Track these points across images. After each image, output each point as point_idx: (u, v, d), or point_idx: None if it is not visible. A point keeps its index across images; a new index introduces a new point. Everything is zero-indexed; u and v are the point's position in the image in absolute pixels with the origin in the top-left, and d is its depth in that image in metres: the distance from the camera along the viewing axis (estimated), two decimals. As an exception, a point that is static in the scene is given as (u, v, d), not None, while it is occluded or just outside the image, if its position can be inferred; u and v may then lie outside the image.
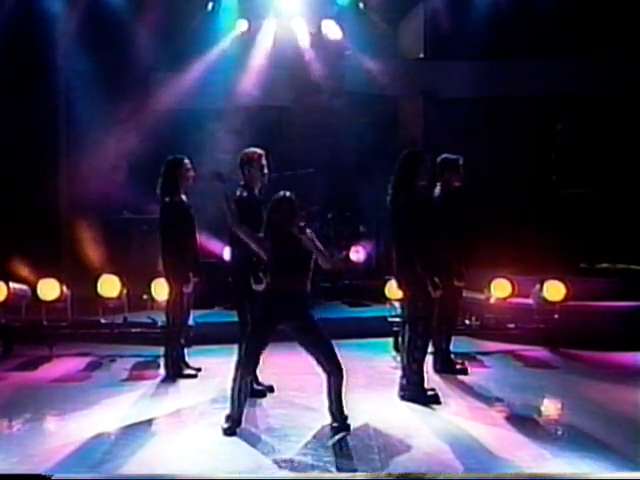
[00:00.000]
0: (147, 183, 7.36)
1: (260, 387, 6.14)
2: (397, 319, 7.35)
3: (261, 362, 5.35)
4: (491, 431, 5.30)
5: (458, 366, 6.95)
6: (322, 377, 5.28)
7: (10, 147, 9.66)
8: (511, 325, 8.10)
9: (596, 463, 4.63)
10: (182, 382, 6.76)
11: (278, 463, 4.71)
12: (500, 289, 8.01)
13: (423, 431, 5.31)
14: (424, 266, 5.83)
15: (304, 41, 11.10)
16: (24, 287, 8.14)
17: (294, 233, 5.12)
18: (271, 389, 6.28)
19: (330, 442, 5.07)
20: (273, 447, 5.00)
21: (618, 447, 4.89)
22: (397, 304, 7.38)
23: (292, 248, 5.15)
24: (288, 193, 5.25)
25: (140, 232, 9.79)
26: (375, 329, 8.20)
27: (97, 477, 4.65)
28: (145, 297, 8.13)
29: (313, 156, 11.03)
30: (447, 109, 10.72)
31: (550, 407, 6.30)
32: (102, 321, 8.13)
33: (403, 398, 6.03)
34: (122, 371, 7.25)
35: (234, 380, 5.27)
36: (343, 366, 5.20)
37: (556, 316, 7.90)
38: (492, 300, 8.06)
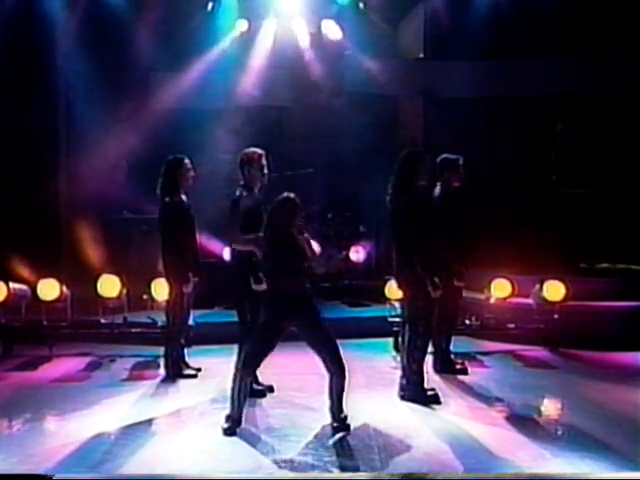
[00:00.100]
0: (147, 183, 7.36)
1: (260, 387, 6.14)
2: (397, 319, 7.35)
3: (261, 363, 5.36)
4: (491, 431, 5.30)
5: (458, 366, 6.95)
6: (323, 377, 5.28)
7: (10, 147, 9.65)
8: (511, 325, 8.10)
9: (596, 463, 4.64)
10: (182, 382, 6.76)
11: (278, 463, 4.72)
12: (500, 289, 8.01)
13: (423, 431, 5.31)
14: (424, 266, 5.83)
15: (304, 41, 11.10)
16: (24, 287, 8.15)
17: (293, 233, 5.14)
18: (271, 389, 6.28)
19: (330, 442, 5.07)
20: (273, 447, 5.00)
21: (618, 447, 4.89)
22: (397, 304, 7.38)
23: (290, 248, 5.16)
24: (292, 195, 5.26)
25: (140, 232, 9.78)
26: (375, 329, 8.20)
27: (97, 477, 4.65)
28: (145, 297, 8.13)
29: (313, 156, 11.03)
30: (447, 109, 10.72)
31: (550, 407, 6.30)
32: (102, 321, 8.14)
33: (403, 398, 6.04)
34: (122, 371, 7.25)
35: (234, 380, 5.27)
36: (346, 366, 5.20)
37: (556, 316, 7.90)
38: (492, 300, 8.07)
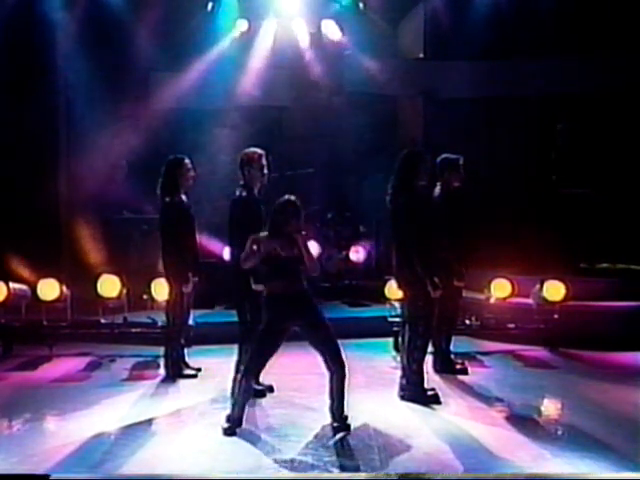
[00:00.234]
0: (147, 183, 7.36)
1: (260, 387, 6.13)
2: (397, 319, 7.35)
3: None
4: (491, 431, 5.30)
5: (458, 366, 6.95)
6: (323, 377, 5.28)
7: (10, 147, 9.64)
8: (511, 325, 8.10)
9: (596, 463, 4.64)
10: (182, 382, 6.76)
11: (278, 463, 4.71)
12: (500, 289, 8.01)
13: (423, 431, 5.32)
14: (424, 266, 5.83)
15: (304, 41, 11.10)
16: (24, 287, 8.15)
17: (293, 235, 5.14)
18: (271, 389, 6.28)
19: (330, 442, 5.07)
20: (273, 447, 5.00)
21: (618, 447, 4.89)
22: (397, 304, 7.39)
23: (289, 249, 5.16)
24: (293, 197, 5.26)
25: (140, 232, 9.79)
26: (375, 329, 8.20)
27: (97, 477, 4.65)
28: (145, 297, 8.12)
29: (313, 156, 11.04)
30: (447, 109, 10.72)
31: (550, 407, 6.30)
32: (102, 321, 8.13)
33: (403, 398, 6.04)
34: (122, 371, 7.25)
35: (237, 381, 5.27)
36: (347, 367, 5.20)
37: (556, 316, 7.90)
38: (492, 300, 8.06)
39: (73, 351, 7.98)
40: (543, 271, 8.24)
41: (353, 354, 6.85)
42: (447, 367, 6.90)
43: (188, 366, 7.02)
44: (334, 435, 5.16)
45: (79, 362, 7.61)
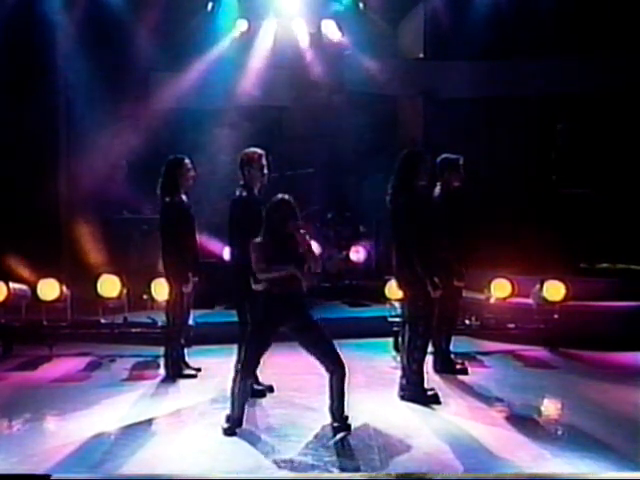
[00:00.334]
0: (147, 183, 7.36)
1: (260, 387, 6.13)
2: (397, 319, 7.35)
3: (261, 362, 5.34)
4: (491, 431, 5.30)
5: (458, 366, 6.95)
6: (323, 377, 5.27)
7: (10, 147, 9.65)
8: (511, 325, 8.10)
9: (596, 463, 4.64)
10: (182, 382, 6.76)
11: (278, 463, 4.71)
12: (500, 289, 8.01)
13: (423, 431, 5.31)
14: (424, 266, 5.83)
15: (304, 41, 11.11)
16: (24, 287, 8.14)
17: (289, 235, 5.13)
18: (271, 389, 6.27)
19: (330, 442, 5.07)
20: (273, 447, 5.00)
21: (618, 447, 4.89)
22: (397, 304, 7.39)
23: (288, 249, 5.16)
24: (287, 196, 5.25)
25: (140, 232, 9.79)
26: (375, 329, 8.19)
27: (97, 477, 4.65)
28: (145, 297, 8.12)
29: (313, 156, 11.04)
30: (447, 109, 10.72)
31: (550, 407, 6.30)
32: (102, 321, 8.13)
33: (403, 398, 6.04)
34: (122, 371, 7.25)
35: (235, 381, 5.27)
36: (345, 364, 5.20)
37: (556, 316, 7.90)
38: (492, 300, 8.06)
39: (73, 351, 7.97)
40: (543, 271, 8.23)
41: (353, 354, 6.88)
42: (447, 367, 6.90)
43: (188, 366, 7.02)
44: (334, 435, 5.16)
45: (79, 362, 7.61)
